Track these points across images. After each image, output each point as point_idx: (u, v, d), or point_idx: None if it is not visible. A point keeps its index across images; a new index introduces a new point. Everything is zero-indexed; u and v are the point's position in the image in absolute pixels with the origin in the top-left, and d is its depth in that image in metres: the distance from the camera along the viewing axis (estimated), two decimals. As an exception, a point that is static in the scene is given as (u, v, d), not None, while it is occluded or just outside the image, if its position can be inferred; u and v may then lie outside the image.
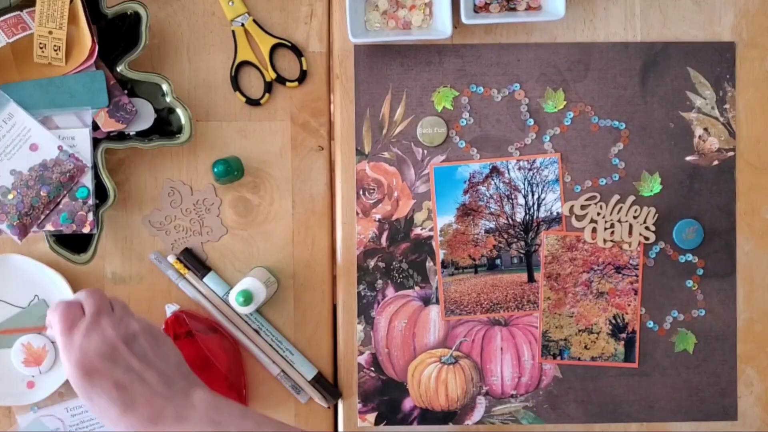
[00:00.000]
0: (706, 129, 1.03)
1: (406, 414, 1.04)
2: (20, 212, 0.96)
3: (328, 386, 1.03)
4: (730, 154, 1.03)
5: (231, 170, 0.99)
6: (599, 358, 1.03)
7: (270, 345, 1.03)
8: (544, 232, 1.03)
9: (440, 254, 1.03)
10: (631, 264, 1.03)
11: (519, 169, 1.03)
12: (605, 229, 1.02)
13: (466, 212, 1.03)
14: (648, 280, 1.03)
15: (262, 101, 1.03)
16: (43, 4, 0.95)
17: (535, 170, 1.03)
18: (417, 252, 1.03)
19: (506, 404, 1.04)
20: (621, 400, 1.04)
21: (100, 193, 0.98)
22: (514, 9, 1.02)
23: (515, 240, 1.03)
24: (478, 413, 1.04)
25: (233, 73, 1.03)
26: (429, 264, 1.03)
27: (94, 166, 0.98)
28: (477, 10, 1.02)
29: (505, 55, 1.03)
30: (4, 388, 1.02)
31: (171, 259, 1.03)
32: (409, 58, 1.03)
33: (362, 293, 1.04)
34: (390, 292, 1.04)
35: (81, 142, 0.97)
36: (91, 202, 0.97)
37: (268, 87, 1.03)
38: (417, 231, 1.03)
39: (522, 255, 1.03)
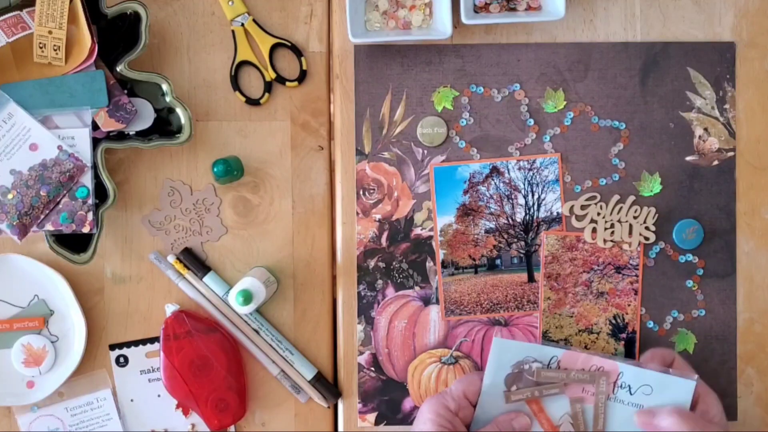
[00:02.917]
0: (706, 129, 1.03)
1: (406, 414, 1.04)
2: (20, 212, 0.96)
3: (328, 386, 1.03)
4: (730, 154, 1.03)
5: (231, 170, 0.99)
6: (599, 358, 1.03)
7: (270, 345, 1.03)
8: (544, 232, 1.03)
9: (440, 254, 1.03)
10: (631, 264, 1.03)
11: (519, 169, 1.03)
12: (605, 229, 1.02)
13: (466, 212, 1.03)
14: (648, 280, 1.03)
15: (262, 101, 1.03)
16: (43, 4, 0.95)
17: (535, 170, 1.03)
18: (417, 252, 1.03)
19: (506, 404, 1.04)
20: (621, 400, 1.04)
21: (100, 192, 0.98)
22: (514, 9, 1.02)
23: (515, 240, 1.03)
24: (478, 413, 1.04)
25: (233, 73, 1.03)
26: (429, 264, 1.03)
27: (94, 166, 0.98)
28: (477, 10, 1.02)
29: (505, 55, 1.03)
30: (4, 388, 1.02)
31: (171, 259, 1.03)
32: (409, 58, 1.03)
33: (362, 293, 1.04)
34: (390, 292, 1.04)
35: (81, 142, 0.97)
36: (90, 201, 0.97)
37: (268, 87, 1.03)
38: (417, 231, 1.03)
39: (522, 255, 1.03)
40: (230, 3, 1.03)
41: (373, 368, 1.04)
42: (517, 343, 0.96)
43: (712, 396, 0.94)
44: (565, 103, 1.03)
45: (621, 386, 0.94)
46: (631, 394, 0.94)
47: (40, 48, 0.96)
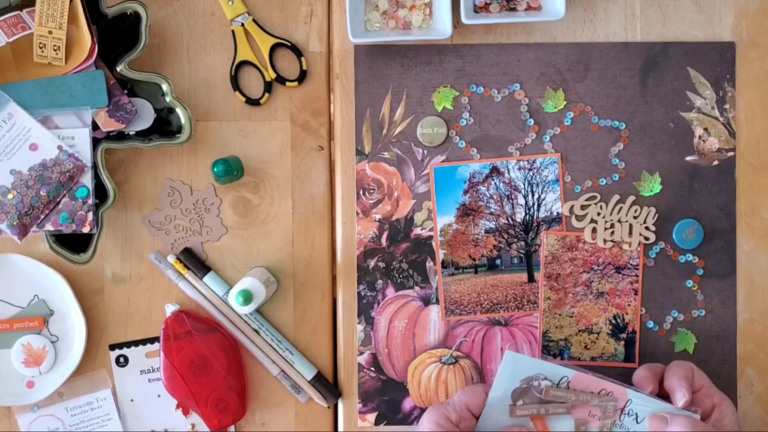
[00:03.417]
0: (706, 129, 1.03)
1: (406, 414, 1.04)
2: (20, 212, 0.96)
3: (328, 386, 1.03)
4: (730, 154, 1.03)
5: (231, 170, 0.99)
6: (599, 358, 1.03)
7: (270, 345, 1.03)
8: (544, 232, 1.03)
9: (440, 254, 1.03)
10: (631, 264, 1.03)
11: (519, 169, 1.03)
12: (605, 229, 1.02)
13: (466, 212, 1.03)
14: (648, 280, 1.03)
15: (262, 101, 1.03)
16: (43, 4, 0.95)
17: (535, 170, 1.03)
18: (417, 252, 1.03)
19: (506, 404, 1.04)
20: (621, 400, 1.04)
21: (100, 192, 0.98)
22: (514, 9, 1.02)
23: (515, 240, 1.03)
24: (478, 413, 1.04)
25: (233, 73, 1.03)
26: (429, 264, 1.03)
27: (94, 166, 0.98)
28: (477, 10, 1.02)
29: (505, 55, 1.03)
30: (4, 388, 1.02)
31: (171, 259, 1.03)
32: (409, 58, 1.03)
33: (362, 293, 1.04)
34: (390, 292, 1.04)
35: (81, 142, 0.97)
36: (90, 201, 0.97)
37: (268, 87, 1.03)
38: (417, 231, 1.03)
39: (522, 255, 1.03)
40: (230, 3, 1.03)
41: (373, 368, 1.04)
42: (530, 359, 0.95)
43: (726, 404, 0.93)
44: (565, 103, 1.03)
45: (628, 414, 0.93)
46: (637, 422, 0.92)
47: (40, 48, 0.96)
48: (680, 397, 0.91)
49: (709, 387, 0.94)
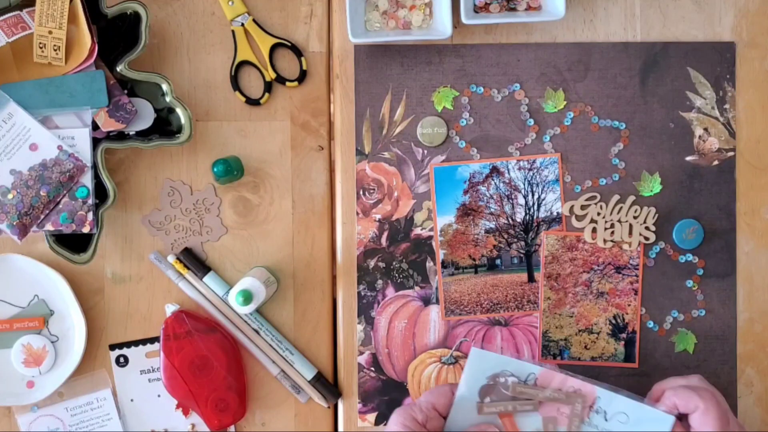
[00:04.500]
0: (706, 129, 1.03)
1: (406, 414, 1.04)
2: (20, 212, 0.96)
3: (328, 386, 1.03)
4: (730, 154, 1.03)
5: (231, 170, 0.99)
6: (599, 358, 1.03)
7: (270, 345, 1.03)
8: (544, 232, 1.03)
9: (440, 254, 1.03)
10: (631, 264, 1.03)
11: (519, 169, 1.03)
12: (605, 229, 1.02)
13: (466, 212, 1.03)
14: (648, 280, 1.03)
15: (262, 101, 1.03)
16: (43, 4, 0.95)
17: (535, 170, 1.03)
18: (417, 252, 1.03)
19: (506, 404, 1.03)
20: (621, 400, 1.04)
21: (100, 192, 0.98)
22: (514, 9, 1.02)
23: (515, 240, 1.03)
24: (478, 413, 1.04)
25: (233, 73, 1.03)
26: (429, 264, 1.03)
27: (94, 166, 0.98)
28: (477, 10, 1.02)
29: (505, 55, 1.03)
30: (4, 388, 1.02)
31: (171, 258, 1.03)
32: (409, 58, 1.03)
33: (362, 293, 1.04)
34: (390, 292, 1.04)
35: (81, 142, 0.97)
36: (90, 201, 0.97)
37: (268, 87, 1.03)
38: (417, 231, 1.03)
39: (522, 255, 1.03)
40: (230, 3, 1.03)
41: (373, 368, 1.04)
42: (495, 355, 0.93)
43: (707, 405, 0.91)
44: (565, 103, 1.03)
45: (596, 411, 0.91)
46: (606, 420, 0.91)
47: (40, 48, 0.96)
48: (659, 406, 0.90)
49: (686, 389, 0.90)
